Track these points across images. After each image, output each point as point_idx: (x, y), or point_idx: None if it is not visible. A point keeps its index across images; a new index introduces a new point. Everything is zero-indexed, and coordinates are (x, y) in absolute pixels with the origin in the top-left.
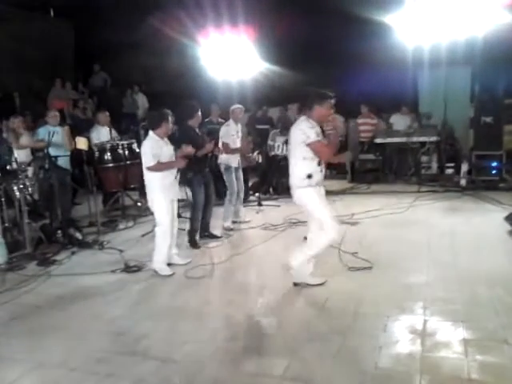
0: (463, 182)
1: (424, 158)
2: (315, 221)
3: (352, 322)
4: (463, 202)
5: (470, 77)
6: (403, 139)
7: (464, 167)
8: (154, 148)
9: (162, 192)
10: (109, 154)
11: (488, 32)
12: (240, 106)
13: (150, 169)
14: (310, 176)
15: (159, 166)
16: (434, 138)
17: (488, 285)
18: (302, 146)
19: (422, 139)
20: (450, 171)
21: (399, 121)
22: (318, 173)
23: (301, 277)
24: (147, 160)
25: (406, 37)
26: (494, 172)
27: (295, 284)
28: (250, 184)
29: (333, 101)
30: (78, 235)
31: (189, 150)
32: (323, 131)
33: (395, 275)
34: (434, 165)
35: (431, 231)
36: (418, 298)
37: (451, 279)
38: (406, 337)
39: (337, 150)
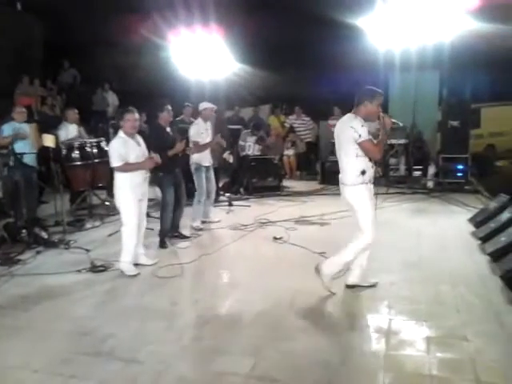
0: (430, 184)
1: (392, 160)
2: (357, 220)
3: (318, 320)
4: (430, 203)
5: (438, 81)
6: None
7: (431, 170)
8: (121, 148)
9: (130, 191)
10: (77, 151)
11: (455, 38)
12: (210, 105)
13: (116, 170)
14: (363, 172)
15: (125, 167)
16: (402, 141)
17: (451, 284)
18: (353, 143)
19: (390, 141)
20: (417, 173)
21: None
22: (370, 169)
23: (357, 279)
24: (113, 160)
25: (377, 40)
26: (460, 175)
27: (348, 286)
28: (220, 184)
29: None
30: (44, 234)
31: (156, 160)
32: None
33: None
34: (402, 167)
35: (398, 232)
36: (384, 297)
37: (416, 279)
38: (371, 335)
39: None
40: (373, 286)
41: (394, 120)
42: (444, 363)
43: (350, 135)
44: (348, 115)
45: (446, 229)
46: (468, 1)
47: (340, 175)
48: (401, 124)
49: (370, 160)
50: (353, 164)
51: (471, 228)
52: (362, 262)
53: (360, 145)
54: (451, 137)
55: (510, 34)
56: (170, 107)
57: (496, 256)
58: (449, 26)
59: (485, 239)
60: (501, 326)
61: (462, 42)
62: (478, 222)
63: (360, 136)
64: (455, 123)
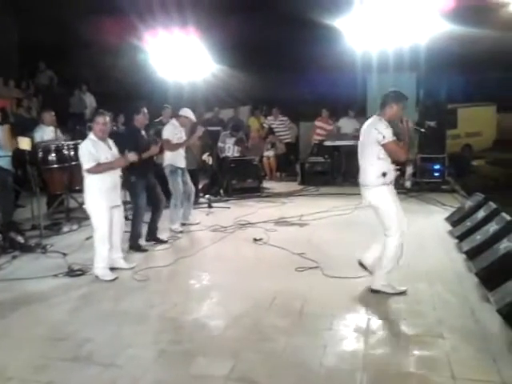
0: (408, 184)
1: None
2: (381, 222)
3: (298, 321)
4: (408, 203)
5: (415, 82)
6: (351, 142)
7: (409, 170)
8: (91, 149)
9: (101, 197)
10: (53, 154)
11: (430, 40)
12: (189, 115)
13: (88, 171)
14: (384, 174)
15: (97, 168)
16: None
17: (428, 282)
18: (376, 145)
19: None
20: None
21: (347, 124)
22: (392, 171)
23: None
24: (85, 162)
25: (354, 42)
26: (437, 174)
27: (373, 291)
28: (200, 186)
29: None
30: (20, 239)
31: (132, 158)
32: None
33: (341, 275)
34: None
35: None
36: (363, 297)
37: (394, 277)
38: (350, 335)
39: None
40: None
41: (416, 127)
42: (421, 361)
43: (373, 137)
44: (373, 117)
45: (423, 228)
46: (441, 2)
47: (360, 177)
48: (422, 130)
49: (392, 162)
50: (375, 166)
51: (448, 227)
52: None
53: (384, 146)
54: (428, 137)
55: (483, 36)
56: (146, 110)
57: (472, 254)
58: (424, 29)
59: (461, 238)
60: (476, 322)
61: (438, 44)
62: (454, 220)
63: (384, 137)
64: (432, 124)
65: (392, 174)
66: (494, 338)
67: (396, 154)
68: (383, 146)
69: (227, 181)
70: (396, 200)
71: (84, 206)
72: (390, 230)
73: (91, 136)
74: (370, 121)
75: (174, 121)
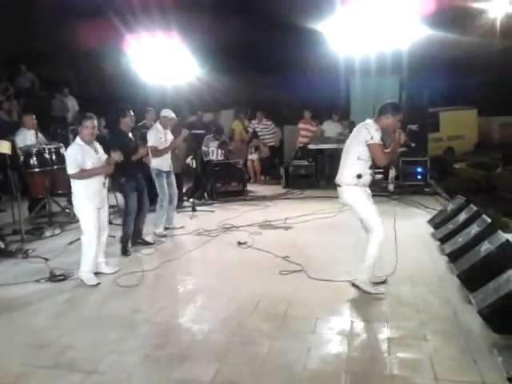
0: (391, 187)
1: None
2: (362, 220)
3: (282, 324)
4: (391, 206)
5: (398, 86)
6: (334, 145)
7: (392, 173)
8: (77, 155)
9: (87, 199)
10: (35, 158)
11: (412, 44)
12: (168, 114)
13: (72, 177)
14: (359, 176)
15: (82, 174)
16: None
17: (411, 284)
18: (362, 144)
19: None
20: (378, 176)
21: (331, 128)
22: (368, 175)
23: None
24: (69, 167)
25: (337, 46)
26: (419, 177)
27: (353, 285)
28: (184, 189)
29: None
30: (0, 244)
31: (116, 157)
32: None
33: (325, 278)
34: None
35: (359, 234)
36: (346, 300)
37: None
38: (333, 338)
39: None
40: (383, 282)
41: (407, 140)
42: (404, 363)
43: (362, 135)
44: (368, 120)
45: (406, 230)
46: (423, 7)
47: (337, 176)
48: (413, 144)
49: (371, 167)
50: (352, 166)
51: (430, 229)
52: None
53: (369, 146)
54: (411, 140)
55: (464, 41)
56: (132, 112)
57: (454, 256)
58: (406, 33)
59: (443, 240)
60: (458, 324)
61: (419, 48)
62: (436, 223)
63: (372, 138)
64: (414, 127)
65: (368, 178)
66: (476, 339)
67: (378, 156)
68: (368, 146)
69: (211, 184)
70: (371, 200)
71: (67, 210)
72: (371, 226)
73: (78, 141)
74: (364, 122)
75: (157, 125)
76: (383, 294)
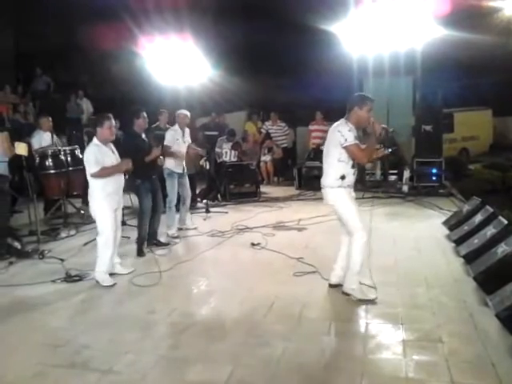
0: (405, 188)
1: (368, 165)
2: (344, 223)
3: (297, 325)
4: (405, 207)
5: (411, 86)
6: None
7: (406, 174)
8: (97, 154)
9: (105, 200)
10: (50, 160)
11: (427, 44)
12: (184, 111)
13: (94, 175)
14: (343, 177)
15: (103, 172)
16: (377, 146)
17: (426, 286)
18: (338, 147)
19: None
20: (392, 178)
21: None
22: (351, 175)
23: (338, 279)
24: (90, 167)
25: (351, 46)
26: (434, 178)
27: (344, 293)
28: (197, 191)
29: (372, 105)
30: (17, 244)
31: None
32: (366, 133)
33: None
34: (378, 171)
35: (374, 236)
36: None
37: (392, 282)
38: (348, 340)
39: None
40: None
41: (384, 125)
42: (420, 365)
43: (336, 139)
44: (340, 120)
45: (420, 232)
46: (438, 8)
47: (321, 178)
48: (391, 129)
49: (353, 167)
50: (334, 168)
51: (445, 231)
52: (343, 264)
53: (346, 148)
54: (425, 141)
55: (479, 41)
56: (145, 114)
57: (469, 258)
58: (420, 33)
59: (459, 242)
60: (474, 326)
61: (434, 48)
62: (451, 224)
63: (346, 140)
64: (428, 128)
65: (351, 178)
66: (493, 343)
67: (356, 156)
68: (344, 148)
69: (225, 186)
70: (354, 203)
71: (82, 211)
72: (353, 229)
73: (95, 141)
74: (336, 123)
75: (175, 126)
76: (374, 300)
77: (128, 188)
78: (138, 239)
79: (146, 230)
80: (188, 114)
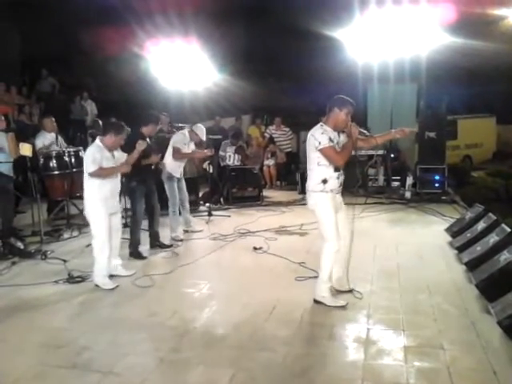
0: (408, 194)
1: (371, 171)
2: (319, 228)
3: (298, 330)
4: (408, 213)
5: (416, 93)
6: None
7: (409, 180)
8: (96, 154)
9: (100, 203)
10: (54, 161)
11: (431, 51)
12: (200, 132)
13: (91, 174)
14: (324, 181)
15: (100, 172)
16: (380, 152)
17: (428, 293)
18: (314, 151)
19: (369, 152)
20: (395, 184)
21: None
22: (334, 179)
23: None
24: (88, 165)
25: (355, 53)
26: (437, 185)
27: (316, 301)
28: (200, 194)
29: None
30: (20, 245)
31: (142, 146)
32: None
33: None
34: (381, 177)
35: (377, 241)
36: (363, 307)
37: (394, 288)
38: (349, 345)
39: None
40: (349, 291)
41: (361, 129)
42: (421, 372)
43: (311, 143)
44: (318, 124)
45: (423, 238)
46: (444, 15)
47: (306, 183)
48: (367, 133)
49: (337, 170)
50: (315, 172)
51: (448, 238)
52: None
53: (320, 151)
54: (428, 148)
55: (484, 48)
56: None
57: (472, 265)
58: (426, 40)
59: (461, 249)
60: (476, 334)
61: (438, 55)
62: (454, 231)
63: (320, 143)
64: (432, 134)
65: (335, 182)
66: (495, 350)
67: (332, 159)
68: (320, 151)
69: (227, 189)
70: (336, 210)
71: (84, 213)
72: (326, 236)
73: (98, 142)
74: (314, 127)
75: (185, 131)
76: (344, 307)
77: (123, 191)
78: (132, 242)
79: (139, 233)
80: (201, 136)
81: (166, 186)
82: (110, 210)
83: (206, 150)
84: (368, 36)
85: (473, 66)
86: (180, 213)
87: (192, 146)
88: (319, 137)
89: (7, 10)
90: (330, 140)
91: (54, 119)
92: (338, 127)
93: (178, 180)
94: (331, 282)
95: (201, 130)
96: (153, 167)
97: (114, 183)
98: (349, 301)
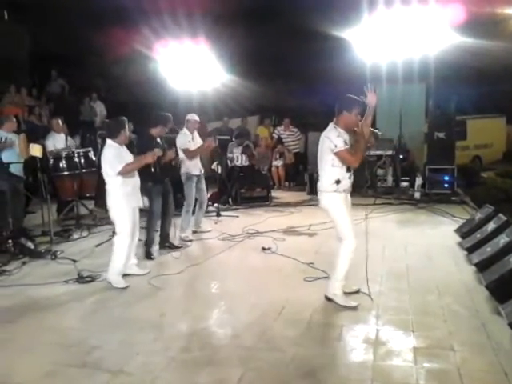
0: (417, 195)
1: (380, 172)
2: (335, 227)
3: (307, 330)
4: (417, 214)
5: (424, 93)
6: None
7: (418, 181)
8: (117, 154)
9: (124, 199)
10: (64, 161)
11: (441, 51)
12: (195, 117)
13: (120, 173)
14: (338, 182)
15: (128, 167)
16: (389, 152)
17: (438, 294)
18: (329, 153)
19: (378, 153)
20: (404, 184)
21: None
22: (347, 179)
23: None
24: (114, 166)
25: (363, 53)
26: (446, 186)
27: (327, 298)
28: (208, 194)
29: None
30: (30, 245)
31: (172, 155)
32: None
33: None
34: (390, 178)
35: (386, 242)
36: (372, 307)
37: (403, 289)
38: (358, 346)
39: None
40: (356, 292)
41: (373, 129)
42: (431, 373)
43: (327, 145)
44: (329, 126)
45: (432, 239)
46: (453, 15)
47: (318, 183)
48: (380, 133)
49: (349, 170)
50: (328, 173)
51: (457, 238)
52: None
53: (336, 154)
54: (437, 148)
55: (493, 48)
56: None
57: (482, 266)
58: (434, 40)
59: (471, 250)
60: (487, 335)
61: (447, 55)
62: (464, 232)
63: (336, 146)
64: (441, 135)
65: (347, 182)
66: (506, 352)
67: (348, 161)
68: (335, 154)
69: (236, 190)
70: (349, 209)
71: (94, 213)
72: (343, 235)
73: (111, 143)
74: (327, 129)
75: (184, 130)
76: (355, 307)
77: (141, 190)
78: (147, 242)
79: (154, 233)
80: (196, 119)
81: (185, 186)
82: (133, 204)
83: (209, 138)
84: (376, 36)
85: (482, 65)
86: (193, 212)
87: (198, 140)
88: (335, 140)
89: (17, 11)
90: (345, 143)
91: (60, 120)
92: (349, 128)
93: (198, 180)
94: (345, 281)
95: (191, 116)
96: (173, 163)
97: (135, 179)
98: (358, 302)
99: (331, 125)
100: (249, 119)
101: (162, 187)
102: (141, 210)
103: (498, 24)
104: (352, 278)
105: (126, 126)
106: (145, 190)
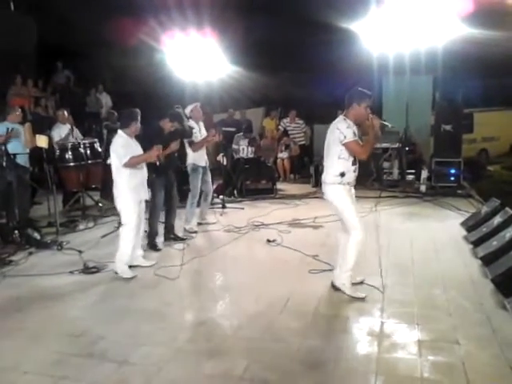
0: (423, 188)
1: (386, 164)
2: (342, 220)
3: (312, 322)
4: (422, 207)
5: (431, 85)
6: None
7: (424, 173)
8: (124, 144)
9: (131, 191)
10: (70, 152)
11: (448, 42)
12: (192, 105)
13: (126, 165)
14: (342, 174)
15: (134, 160)
16: (395, 145)
17: (443, 287)
18: (338, 144)
19: (384, 145)
20: (410, 177)
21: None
22: (352, 172)
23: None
24: (121, 157)
25: (371, 45)
26: (452, 179)
27: (334, 287)
28: (214, 186)
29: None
30: (36, 235)
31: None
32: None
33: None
34: (396, 171)
35: (391, 235)
36: (377, 300)
37: (408, 282)
38: (363, 338)
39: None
40: (360, 283)
41: (382, 122)
42: (435, 366)
43: (336, 136)
44: (338, 117)
45: (438, 232)
46: (461, 6)
47: (322, 175)
48: (389, 125)
49: (354, 164)
50: (334, 164)
51: (463, 232)
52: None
53: (345, 146)
54: (444, 141)
55: (502, 39)
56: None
57: (487, 260)
58: (442, 31)
59: (476, 243)
60: (492, 329)
61: (455, 46)
62: (469, 226)
63: (345, 137)
64: (448, 127)
65: (351, 175)
66: (511, 345)
67: (357, 153)
68: (344, 145)
69: (241, 182)
70: (353, 200)
71: (100, 204)
72: (350, 226)
73: (122, 134)
74: (335, 120)
75: (190, 122)
76: (363, 299)
77: None
78: (149, 234)
79: (157, 225)
80: (196, 104)
81: (190, 178)
82: (140, 197)
83: (212, 130)
84: (384, 27)
85: (490, 57)
86: (198, 204)
87: (203, 132)
88: (345, 131)
89: (23, 3)
90: (355, 134)
91: (65, 112)
92: (359, 121)
93: (204, 172)
94: (353, 272)
95: (190, 106)
96: (176, 155)
97: (143, 172)
98: (364, 294)
99: (341, 116)
100: (253, 111)
101: (166, 179)
102: (145, 202)
103: (507, 15)
104: (356, 269)
105: (138, 118)
106: (148, 182)
